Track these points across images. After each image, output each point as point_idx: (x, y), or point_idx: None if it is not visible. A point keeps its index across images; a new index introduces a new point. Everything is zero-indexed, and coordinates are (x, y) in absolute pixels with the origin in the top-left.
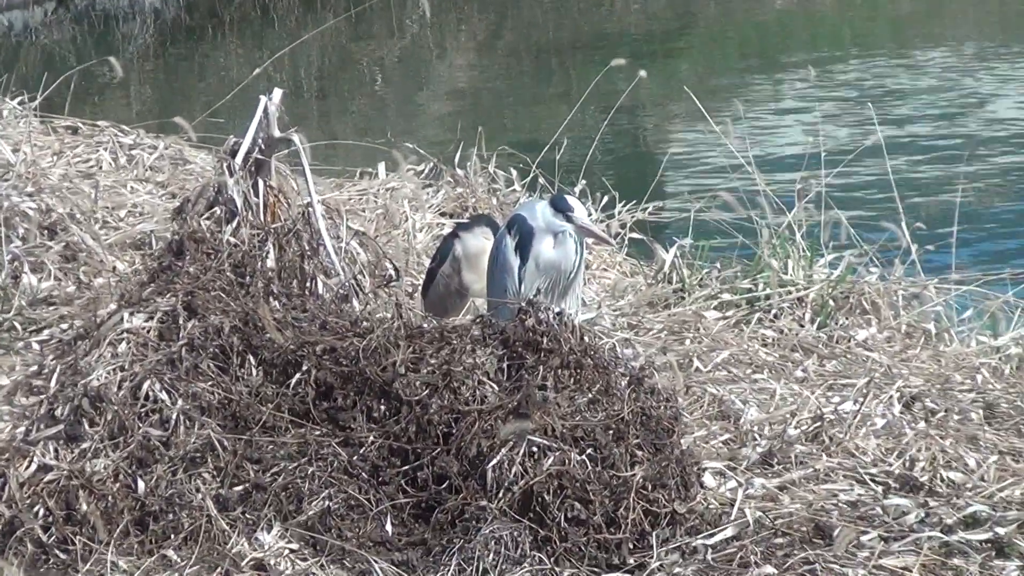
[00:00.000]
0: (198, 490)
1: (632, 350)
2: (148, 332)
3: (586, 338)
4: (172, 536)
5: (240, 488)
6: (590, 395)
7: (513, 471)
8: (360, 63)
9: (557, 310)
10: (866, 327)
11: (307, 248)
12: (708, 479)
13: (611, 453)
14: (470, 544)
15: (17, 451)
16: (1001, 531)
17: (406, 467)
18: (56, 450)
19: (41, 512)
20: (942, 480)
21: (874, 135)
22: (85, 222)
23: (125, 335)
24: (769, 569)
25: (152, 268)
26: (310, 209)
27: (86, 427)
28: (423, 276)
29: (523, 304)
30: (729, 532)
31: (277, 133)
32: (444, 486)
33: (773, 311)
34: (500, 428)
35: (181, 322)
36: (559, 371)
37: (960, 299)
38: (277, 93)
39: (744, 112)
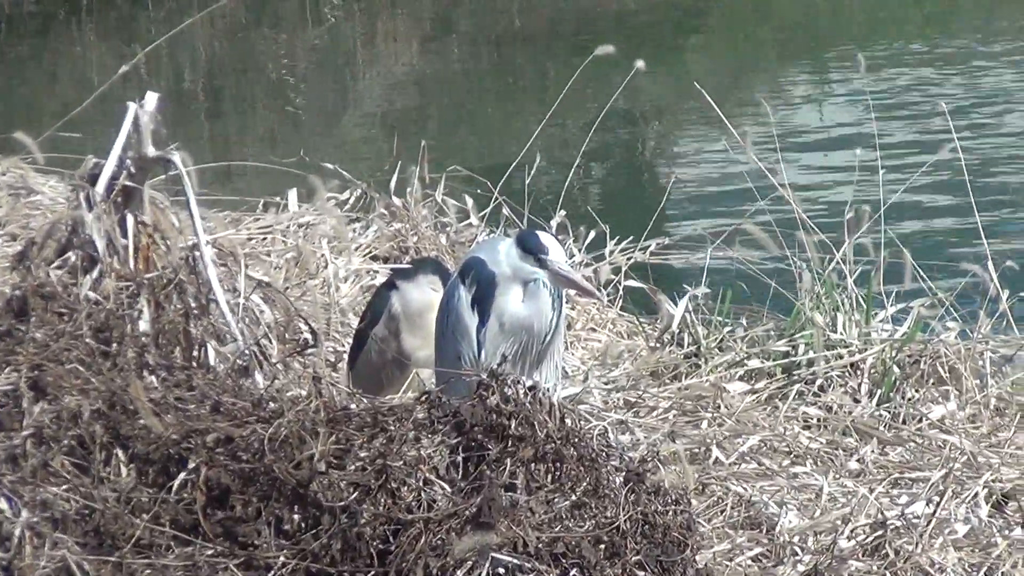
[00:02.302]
0: None
1: (630, 436)
2: None
3: (568, 421)
4: None
5: None
6: (574, 497)
7: None
8: (264, 59)
9: (529, 384)
10: (942, 402)
11: (193, 305)
12: None
13: (603, 574)
14: None
15: None
16: None
17: None
18: None
19: None
20: None
21: (948, 146)
22: None
23: None
24: None
25: None
26: (196, 253)
27: None
28: (349, 341)
29: (483, 376)
30: None
31: (152, 152)
32: None
33: (818, 382)
34: (454, 543)
35: (25, 405)
36: (532, 465)
37: None
38: (151, 99)
39: (774, 117)
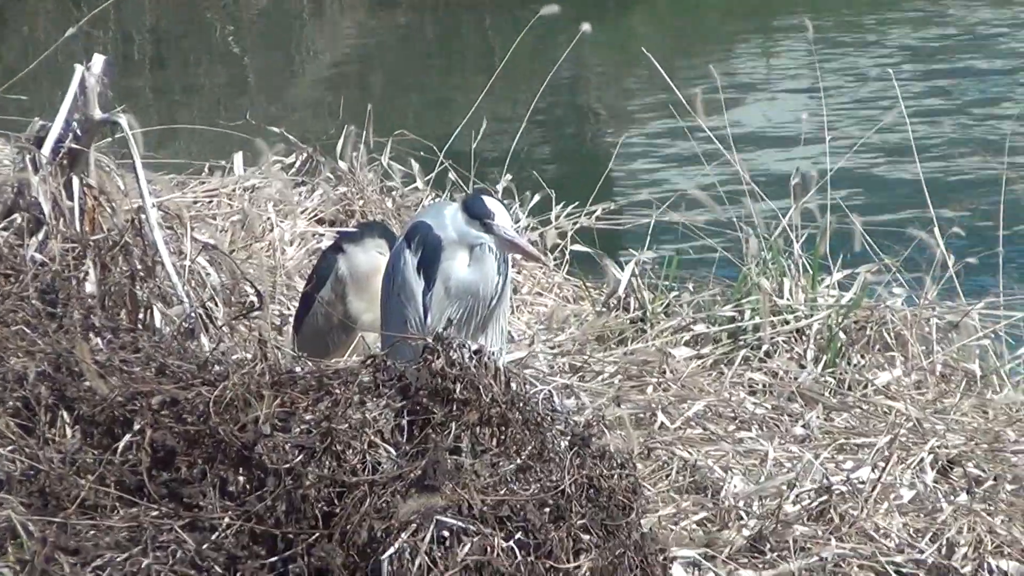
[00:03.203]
0: None
1: (575, 400)
2: None
3: (513, 385)
4: None
5: None
6: (519, 461)
7: (417, 562)
8: (210, 21)
9: (474, 348)
10: (888, 368)
11: (139, 267)
12: (678, 572)
13: (547, 537)
14: None
15: None
16: None
17: (273, 558)
18: None
19: None
20: (991, 571)
21: (895, 111)
22: None
23: None
24: None
25: None
26: (142, 215)
27: None
28: (295, 304)
29: (429, 340)
30: None
31: (98, 114)
32: None
33: (764, 347)
34: (399, 505)
35: None
36: (477, 429)
37: (1014, 330)
38: (98, 60)
39: (721, 82)
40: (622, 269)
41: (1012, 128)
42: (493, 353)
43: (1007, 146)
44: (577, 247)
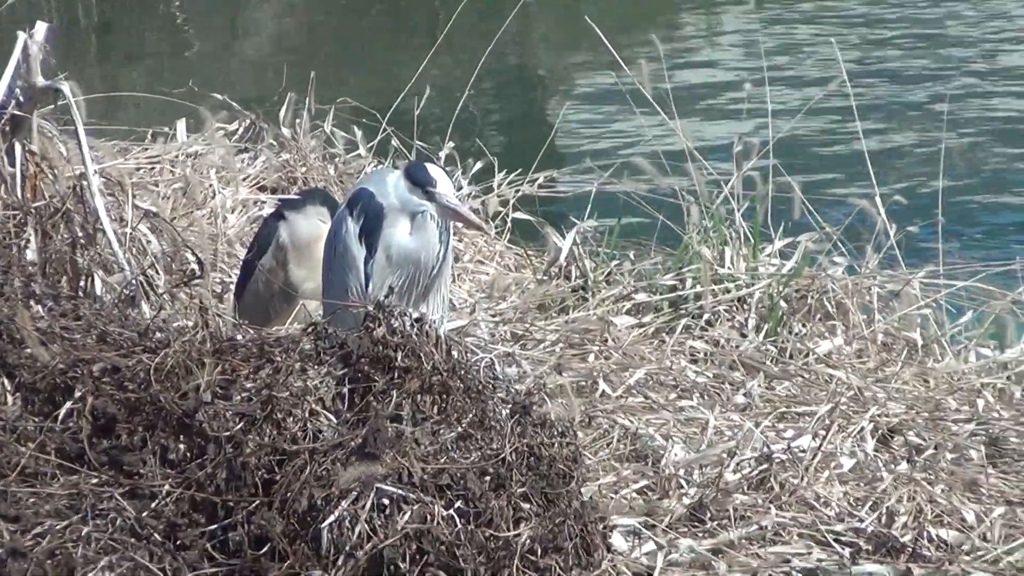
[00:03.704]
0: None
1: (516, 369)
2: None
3: (455, 353)
4: None
5: None
6: (460, 429)
7: (357, 531)
8: None
9: (416, 316)
10: (829, 337)
11: (80, 234)
12: (618, 540)
13: (488, 506)
14: None
15: None
16: None
17: (213, 526)
18: None
19: None
20: (930, 540)
21: (837, 80)
22: None
23: None
24: None
25: None
26: (84, 182)
27: None
28: (236, 271)
29: (370, 308)
30: None
31: (41, 81)
32: (264, 551)
33: (705, 316)
34: (339, 474)
35: None
36: (418, 397)
37: (954, 299)
38: (41, 28)
39: (664, 51)
40: (564, 237)
41: (952, 98)
42: (434, 321)
43: (946, 118)
44: (519, 215)
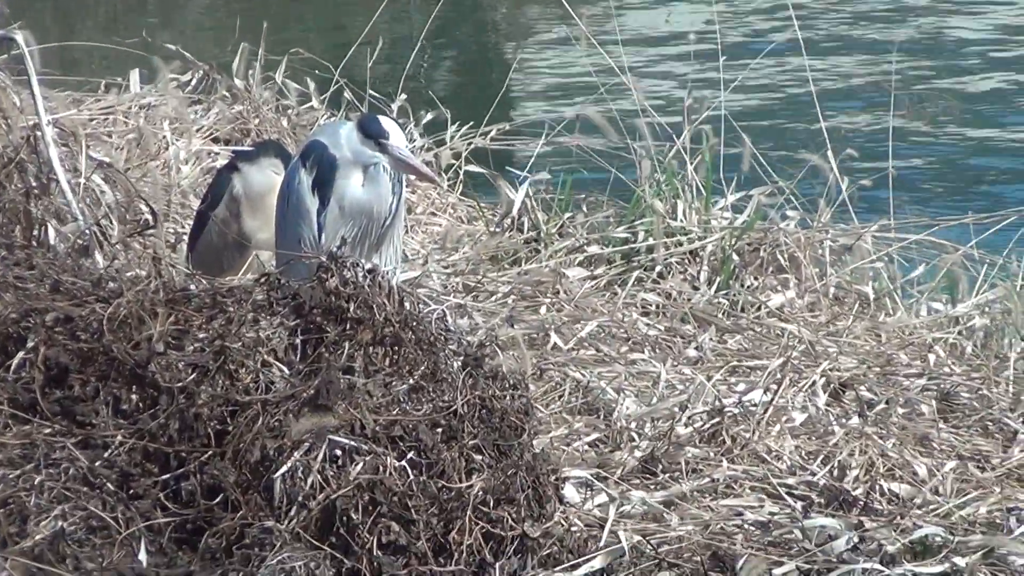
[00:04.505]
0: None
1: (468, 320)
2: None
3: (407, 304)
4: None
5: None
6: (412, 381)
7: (309, 481)
8: None
9: (368, 267)
10: (781, 290)
11: (34, 184)
12: (570, 492)
13: (440, 458)
14: None
15: None
16: (960, 562)
17: (166, 476)
18: None
19: None
20: (882, 494)
21: (787, 33)
22: None
23: None
24: None
25: None
26: (38, 133)
27: None
28: (189, 222)
29: (323, 259)
30: (597, 563)
31: None
32: (217, 501)
33: (657, 268)
34: (292, 425)
35: None
36: (371, 349)
37: (907, 253)
38: None
39: (616, 3)
40: (516, 190)
41: (902, 57)
42: (387, 272)
43: (894, 71)
44: (471, 167)
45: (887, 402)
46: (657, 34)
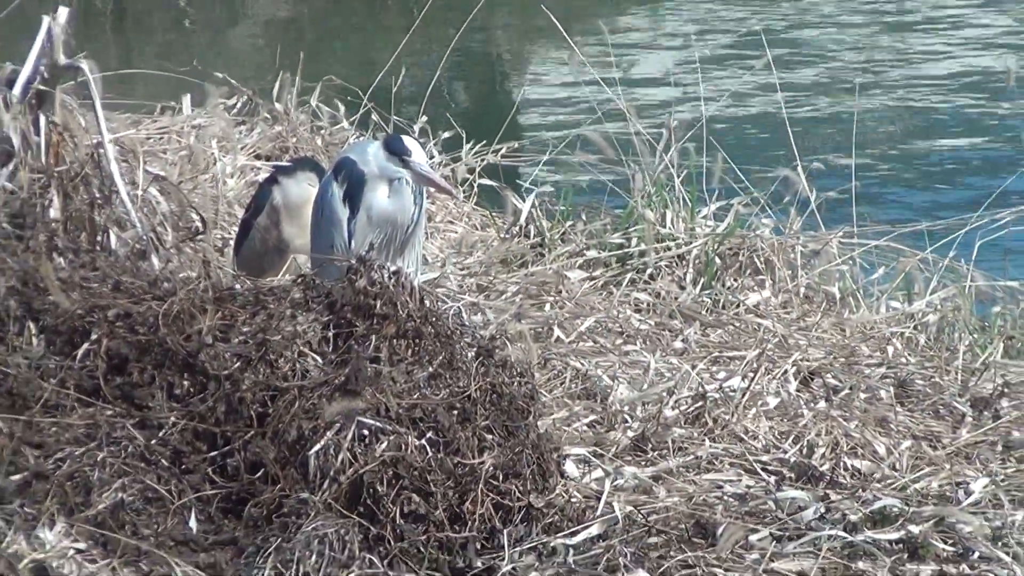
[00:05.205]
0: None
1: (481, 316)
2: None
3: (427, 302)
4: None
5: (18, 477)
6: (431, 369)
7: (340, 458)
8: None
9: (393, 269)
10: (758, 290)
11: (97, 195)
12: (570, 468)
13: (455, 437)
14: (288, 544)
15: None
16: (915, 529)
17: (214, 453)
18: None
19: None
20: (846, 470)
21: (762, 61)
22: None
23: None
24: (641, 573)
25: None
26: (101, 150)
27: None
28: (235, 229)
29: (353, 262)
30: (594, 530)
31: (63, 60)
32: (258, 475)
33: (648, 271)
34: (325, 408)
35: None
36: (395, 341)
37: (868, 256)
38: (63, 12)
39: (610, 37)
40: (523, 201)
41: (864, 77)
42: (409, 274)
43: (858, 97)
44: (484, 181)
45: (850, 388)
46: (651, 64)
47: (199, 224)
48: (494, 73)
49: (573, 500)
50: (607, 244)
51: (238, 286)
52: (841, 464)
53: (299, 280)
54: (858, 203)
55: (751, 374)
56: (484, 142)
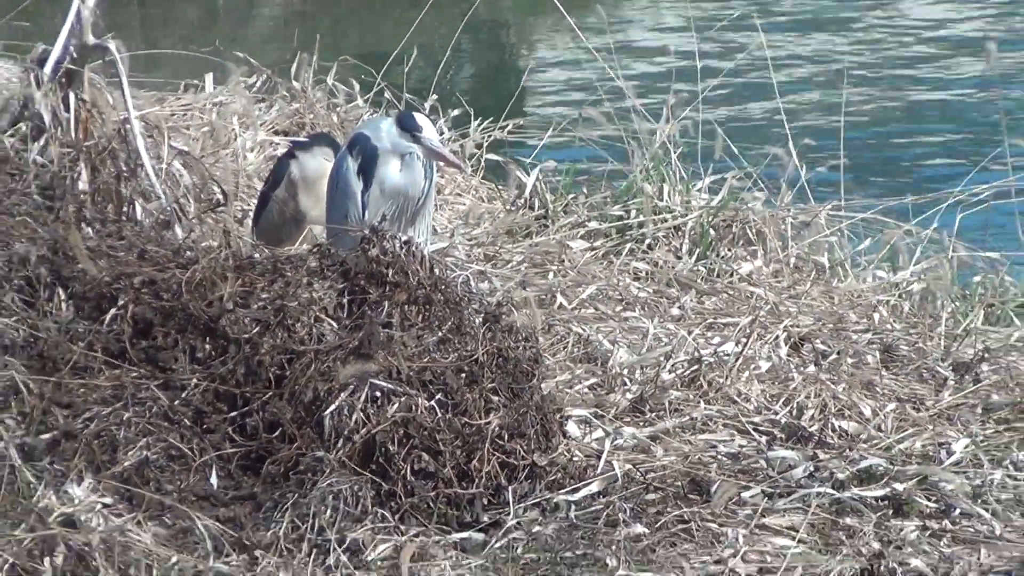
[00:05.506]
0: (0, 438)
1: (488, 284)
2: None
3: (436, 270)
4: None
5: (48, 436)
6: (440, 334)
7: (354, 418)
8: None
9: (404, 239)
10: (750, 259)
11: (124, 169)
12: (572, 428)
13: (463, 399)
14: (305, 499)
15: None
16: (899, 487)
17: (234, 413)
18: None
19: None
20: (833, 430)
21: (757, 41)
22: None
23: None
24: (639, 528)
25: None
26: (127, 126)
27: None
28: (254, 201)
29: (366, 232)
30: (595, 487)
31: (91, 40)
32: (276, 434)
33: (647, 241)
34: (339, 370)
35: None
36: (406, 307)
37: (855, 228)
38: None
39: (609, 20)
40: (528, 174)
41: (849, 54)
42: (420, 244)
43: (846, 72)
44: (491, 156)
45: (838, 353)
46: (649, 47)
47: (220, 196)
48: (500, 55)
49: (575, 459)
50: (608, 216)
51: (257, 255)
52: (829, 425)
53: (315, 249)
54: (845, 177)
55: (744, 339)
56: (491, 119)
